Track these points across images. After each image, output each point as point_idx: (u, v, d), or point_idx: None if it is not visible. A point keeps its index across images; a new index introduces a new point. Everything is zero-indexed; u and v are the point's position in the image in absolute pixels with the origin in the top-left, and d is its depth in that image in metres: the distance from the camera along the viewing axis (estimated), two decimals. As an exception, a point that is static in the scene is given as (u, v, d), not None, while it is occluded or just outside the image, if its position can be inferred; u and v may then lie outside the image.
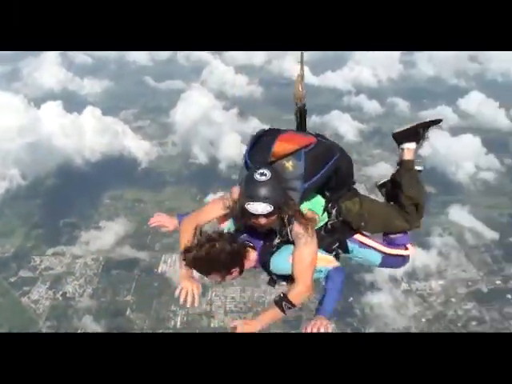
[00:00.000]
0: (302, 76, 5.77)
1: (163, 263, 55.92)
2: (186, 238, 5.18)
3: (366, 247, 5.48)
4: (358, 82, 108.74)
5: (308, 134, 5.26)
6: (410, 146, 5.68)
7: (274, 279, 5.33)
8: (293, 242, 4.94)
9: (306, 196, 4.90)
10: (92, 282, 53.82)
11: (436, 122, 5.83)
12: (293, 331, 36.84)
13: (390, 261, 5.61)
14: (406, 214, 5.49)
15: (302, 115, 5.82)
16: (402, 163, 5.73)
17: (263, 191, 4.51)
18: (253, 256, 5.12)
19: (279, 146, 4.87)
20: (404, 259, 5.70)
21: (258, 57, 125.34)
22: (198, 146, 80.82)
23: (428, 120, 5.76)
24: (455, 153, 73.02)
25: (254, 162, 4.88)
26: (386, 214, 5.51)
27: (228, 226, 5.36)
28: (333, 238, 5.28)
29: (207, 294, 50.74)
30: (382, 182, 6.04)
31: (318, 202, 5.17)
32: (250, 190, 4.58)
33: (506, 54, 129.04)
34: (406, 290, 51.56)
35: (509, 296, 50.84)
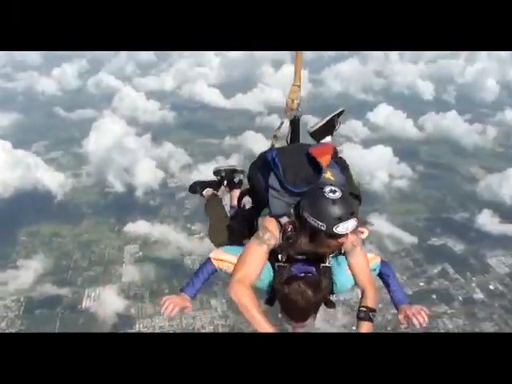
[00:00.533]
0: (299, 86, 6.06)
1: (87, 298, 53.64)
2: (255, 305, 4.43)
3: None
4: (268, 102, 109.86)
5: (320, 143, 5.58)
6: (327, 140, 5.94)
7: (272, 298, 4.85)
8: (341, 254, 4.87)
9: None
10: (14, 325, 50.67)
11: (341, 113, 6.16)
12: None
13: None
14: None
15: (295, 125, 6.02)
16: None
17: (347, 207, 4.36)
18: None
19: (324, 160, 4.73)
20: None
21: (168, 82, 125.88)
22: (113, 174, 78.97)
23: (335, 113, 6.10)
24: (368, 164, 74.47)
25: (301, 182, 4.67)
26: None
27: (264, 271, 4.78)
28: None
29: (134, 327, 49.19)
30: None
31: None
32: (334, 212, 4.31)
33: (409, 67, 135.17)
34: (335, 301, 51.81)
35: (434, 296, 52.14)
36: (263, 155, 5.14)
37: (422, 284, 54.34)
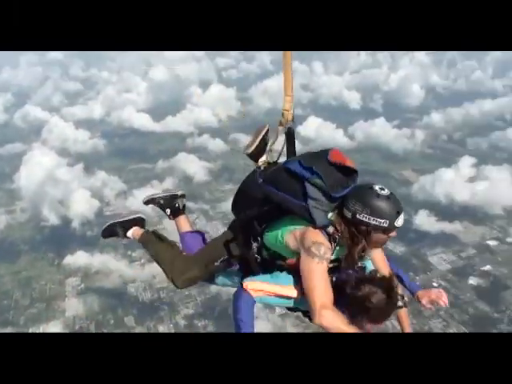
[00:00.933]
0: (291, 96, 5.68)
1: (31, 337, 51.72)
2: (348, 324, 4.17)
3: None
4: (198, 123, 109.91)
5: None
6: (263, 159, 5.60)
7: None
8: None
9: None
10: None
11: (267, 130, 5.74)
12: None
13: None
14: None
15: (291, 137, 5.60)
16: None
17: (398, 200, 4.34)
18: None
19: (350, 162, 4.55)
20: None
21: (96, 110, 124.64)
22: (48, 207, 76.87)
23: (264, 129, 5.68)
24: (303, 176, 75.19)
25: (338, 187, 4.42)
26: None
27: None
28: None
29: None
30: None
31: None
32: (393, 207, 4.27)
33: (334, 79, 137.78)
34: (281, 313, 51.54)
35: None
36: (283, 168, 4.70)
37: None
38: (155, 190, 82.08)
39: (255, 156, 5.50)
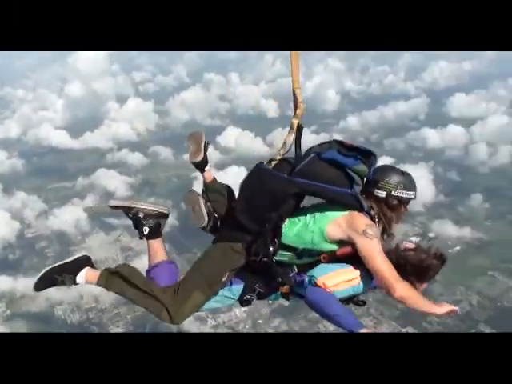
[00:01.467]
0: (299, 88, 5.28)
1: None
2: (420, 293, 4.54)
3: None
4: (117, 137, 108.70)
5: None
6: (208, 169, 5.77)
7: None
8: None
9: None
10: None
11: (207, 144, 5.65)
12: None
13: None
14: None
15: (300, 133, 5.16)
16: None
17: None
18: None
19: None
20: None
21: (12, 129, 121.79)
22: (-33, 232, 73.99)
23: (203, 134, 5.53)
24: (225, 186, 75.59)
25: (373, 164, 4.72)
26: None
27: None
28: None
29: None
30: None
31: None
32: (414, 181, 4.88)
33: (251, 88, 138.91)
34: (213, 325, 51.60)
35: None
36: (320, 159, 4.72)
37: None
38: (76, 207, 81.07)
39: (203, 163, 5.52)
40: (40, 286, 4.91)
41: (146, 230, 5.22)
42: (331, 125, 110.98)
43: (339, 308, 4.41)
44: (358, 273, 4.59)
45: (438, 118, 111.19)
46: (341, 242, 4.54)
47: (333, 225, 4.54)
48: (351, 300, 4.87)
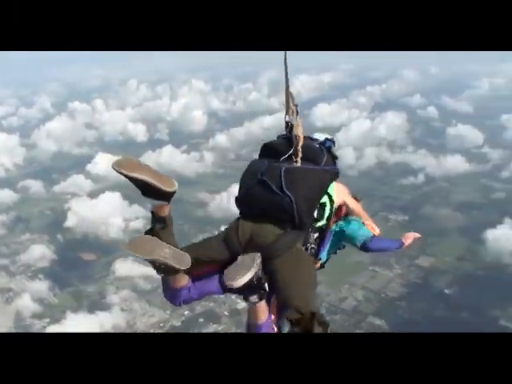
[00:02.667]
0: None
1: None
2: None
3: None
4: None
5: None
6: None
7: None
8: None
9: None
10: None
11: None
12: None
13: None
14: None
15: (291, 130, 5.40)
16: None
17: None
18: None
19: None
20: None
21: None
22: None
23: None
24: (101, 213, 74.33)
25: None
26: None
27: None
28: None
29: None
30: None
31: None
32: None
33: (117, 114, 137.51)
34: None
35: (201, 320, 54.16)
36: (316, 144, 5.62)
37: (186, 312, 55.16)
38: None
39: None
40: None
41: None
42: (201, 144, 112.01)
43: (391, 242, 5.58)
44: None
45: (303, 128, 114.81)
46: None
47: (336, 195, 5.34)
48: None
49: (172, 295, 4.99)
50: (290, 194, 4.76)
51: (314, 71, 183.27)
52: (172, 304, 5.04)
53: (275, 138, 5.57)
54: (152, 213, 4.76)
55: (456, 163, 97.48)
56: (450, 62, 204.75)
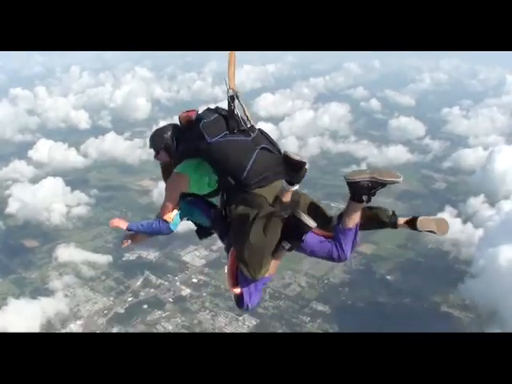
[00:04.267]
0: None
1: None
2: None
3: None
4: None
5: None
6: None
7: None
8: None
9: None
10: None
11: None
12: None
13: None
14: None
15: (233, 102, 5.52)
16: None
17: None
18: None
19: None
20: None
21: None
22: None
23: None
24: (43, 199, 73.48)
25: None
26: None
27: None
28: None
29: None
30: None
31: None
32: None
33: (60, 101, 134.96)
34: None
35: (145, 306, 53.80)
36: None
37: (130, 299, 55.09)
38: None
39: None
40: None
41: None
42: (144, 132, 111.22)
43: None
44: None
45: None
46: None
47: None
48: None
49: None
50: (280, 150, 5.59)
51: (258, 62, 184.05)
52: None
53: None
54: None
55: (398, 153, 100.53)
56: (392, 56, 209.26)
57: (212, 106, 5.72)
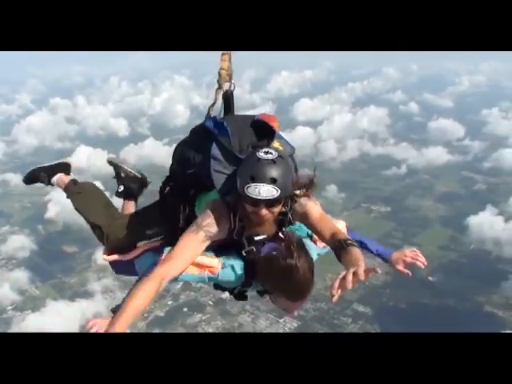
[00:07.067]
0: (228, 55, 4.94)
1: None
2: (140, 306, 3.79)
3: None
4: None
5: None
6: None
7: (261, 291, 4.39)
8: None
9: None
10: None
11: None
12: None
13: None
14: None
15: (228, 99, 4.92)
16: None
17: (270, 171, 3.64)
18: None
19: (275, 125, 4.06)
20: None
21: None
22: None
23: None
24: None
25: (248, 149, 3.93)
26: None
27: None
28: None
29: None
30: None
31: None
32: (251, 170, 3.67)
33: (99, 109, 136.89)
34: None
35: (185, 309, 53.69)
36: (199, 126, 4.57)
37: (170, 302, 54.76)
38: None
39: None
40: (27, 179, 5.87)
41: (122, 188, 5.82)
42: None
43: None
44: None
45: (285, 122, 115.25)
46: None
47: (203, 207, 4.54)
48: None
49: None
50: None
51: (295, 69, 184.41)
52: None
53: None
54: None
55: (438, 155, 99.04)
56: (430, 59, 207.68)
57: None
